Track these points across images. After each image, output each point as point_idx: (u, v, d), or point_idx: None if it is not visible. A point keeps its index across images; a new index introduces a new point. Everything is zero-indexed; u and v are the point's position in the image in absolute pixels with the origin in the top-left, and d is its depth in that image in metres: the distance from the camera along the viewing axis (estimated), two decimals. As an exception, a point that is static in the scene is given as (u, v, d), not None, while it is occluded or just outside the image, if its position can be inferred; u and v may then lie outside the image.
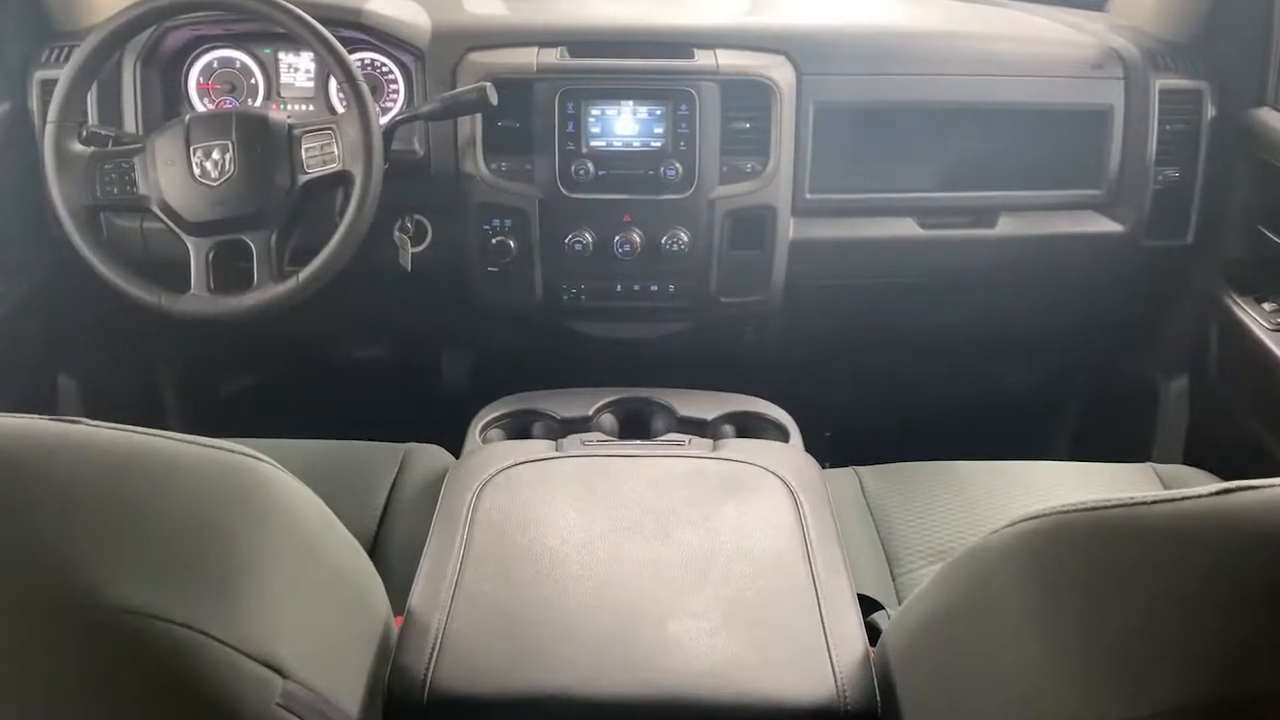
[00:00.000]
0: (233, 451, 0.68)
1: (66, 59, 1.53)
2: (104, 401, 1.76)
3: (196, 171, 1.33)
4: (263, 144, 1.34)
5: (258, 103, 1.62)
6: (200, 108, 1.61)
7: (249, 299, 1.34)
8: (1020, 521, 0.67)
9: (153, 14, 1.33)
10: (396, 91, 1.60)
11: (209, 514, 0.63)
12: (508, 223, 1.53)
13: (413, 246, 1.55)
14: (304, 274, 1.34)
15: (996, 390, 1.97)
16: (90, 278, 1.37)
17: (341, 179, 1.36)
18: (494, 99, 1.41)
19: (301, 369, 2.02)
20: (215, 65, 1.61)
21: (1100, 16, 1.75)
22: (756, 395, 1.41)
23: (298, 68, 1.62)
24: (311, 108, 1.62)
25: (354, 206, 1.33)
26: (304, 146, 1.35)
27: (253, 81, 1.61)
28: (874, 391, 1.93)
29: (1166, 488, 1.37)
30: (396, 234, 1.54)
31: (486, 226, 1.53)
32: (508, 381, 1.44)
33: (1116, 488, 1.36)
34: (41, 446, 0.59)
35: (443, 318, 1.76)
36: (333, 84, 1.61)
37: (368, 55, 1.59)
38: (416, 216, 1.56)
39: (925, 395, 1.92)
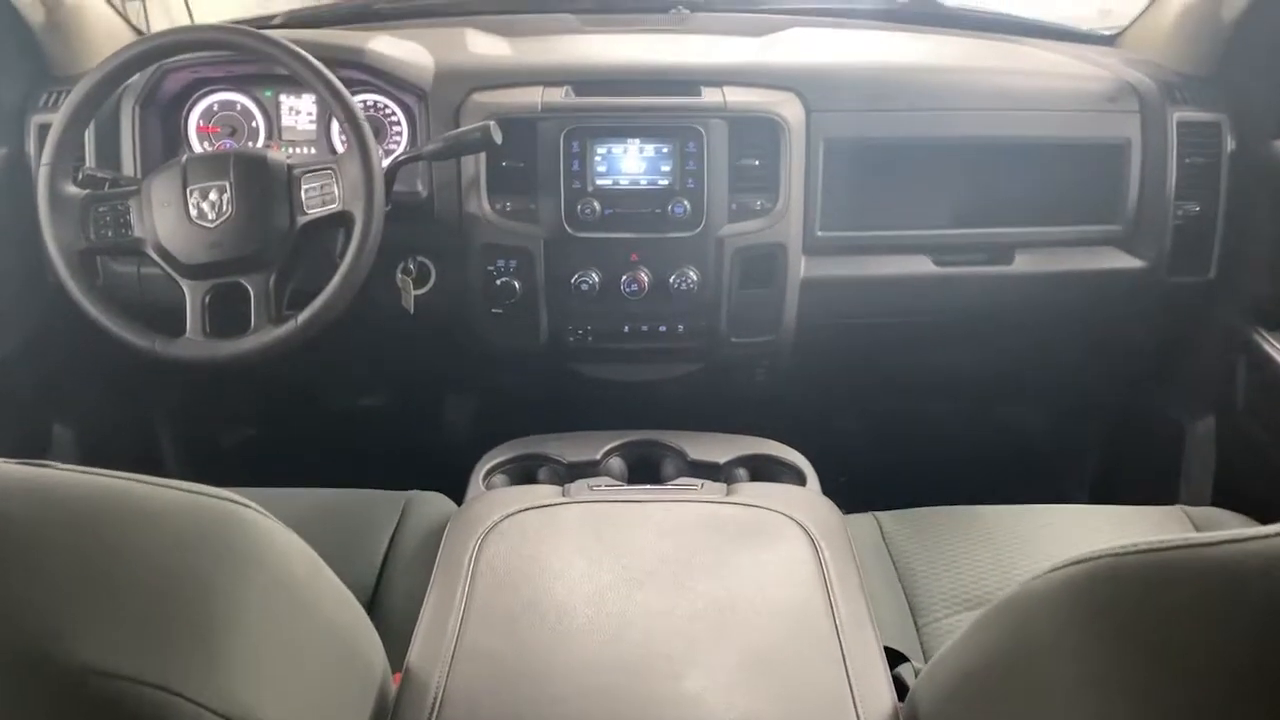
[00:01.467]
0: (214, 496, 0.63)
1: (61, 104, 1.51)
2: (100, 451, 1.71)
3: (193, 213, 1.29)
4: (261, 184, 1.31)
5: (257, 145, 1.60)
6: (200, 151, 1.59)
7: (246, 343, 1.30)
8: (1066, 566, 0.62)
9: (148, 55, 1.31)
10: (400, 133, 1.58)
11: (186, 564, 0.59)
12: (512, 263, 1.49)
13: (415, 289, 1.51)
14: (303, 316, 1.30)
15: (1015, 430, 1.92)
16: (86, 323, 1.34)
17: (342, 219, 1.33)
18: (498, 137, 1.38)
19: (303, 417, 1.98)
20: (215, 108, 1.59)
21: (1112, 51, 1.72)
22: (770, 438, 1.36)
23: (299, 110, 1.60)
24: (313, 150, 1.60)
25: (354, 247, 1.29)
26: (304, 187, 1.32)
27: (254, 124, 1.59)
28: (889, 432, 1.88)
29: (1201, 531, 1.32)
30: (399, 276, 1.51)
31: (491, 267, 1.50)
32: (513, 426, 1.40)
33: (1149, 532, 1.30)
34: (4, 491, 0.55)
35: (446, 361, 1.72)
36: (334, 126, 1.59)
37: (370, 97, 1.57)
38: (419, 258, 1.52)
39: (942, 436, 1.86)
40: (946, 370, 1.74)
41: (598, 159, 1.47)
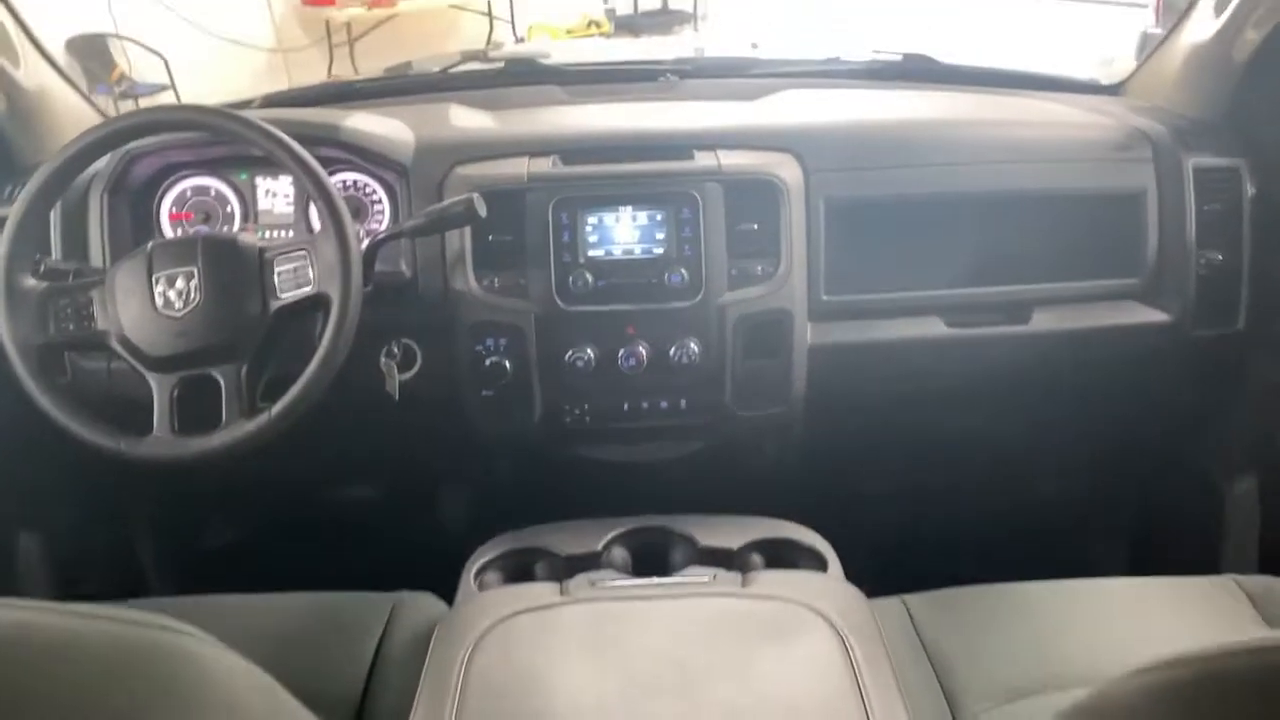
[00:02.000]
0: (144, 625, 0.53)
1: (22, 194, 1.45)
2: (72, 561, 1.61)
3: (159, 302, 1.21)
4: (231, 269, 1.23)
5: (233, 230, 1.53)
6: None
7: (216, 439, 1.21)
8: (1155, 669, 0.52)
9: (111, 139, 1.25)
10: (382, 211, 1.51)
11: (108, 709, 0.49)
12: (502, 342, 1.41)
13: (401, 373, 1.42)
14: (277, 408, 1.21)
15: (1042, 497, 1.81)
16: (50, 423, 1.24)
17: (318, 302, 1.25)
18: (482, 210, 1.31)
19: (289, 514, 1.87)
20: (189, 194, 1.52)
21: (1118, 100, 1.67)
22: (784, 518, 1.26)
23: (275, 192, 1.53)
24: (291, 233, 1.53)
25: (331, 331, 1.21)
26: (276, 270, 1.24)
27: (228, 209, 1.53)
28: (911, 505, 1.78)
29: (1257, 603, 1.21)
30: (383, 360, 1.42)
31: (479, 347, 1.41)
32: (509, 515, 1.31)
33: (1205, 609, 1.20)
34: None
35: (436, 449, 1.63)
36: (313, 208, 1.52)
37: (349, 175, 1.50)
38: (404, 341, 1.44)
39: (965, 506, 1.76)
40: (967, 436, 1.64)
41: (589, 229, 1.40)
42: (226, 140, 1.30)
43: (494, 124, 1.58)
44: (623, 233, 1.40)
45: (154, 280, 1.22)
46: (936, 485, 1.73)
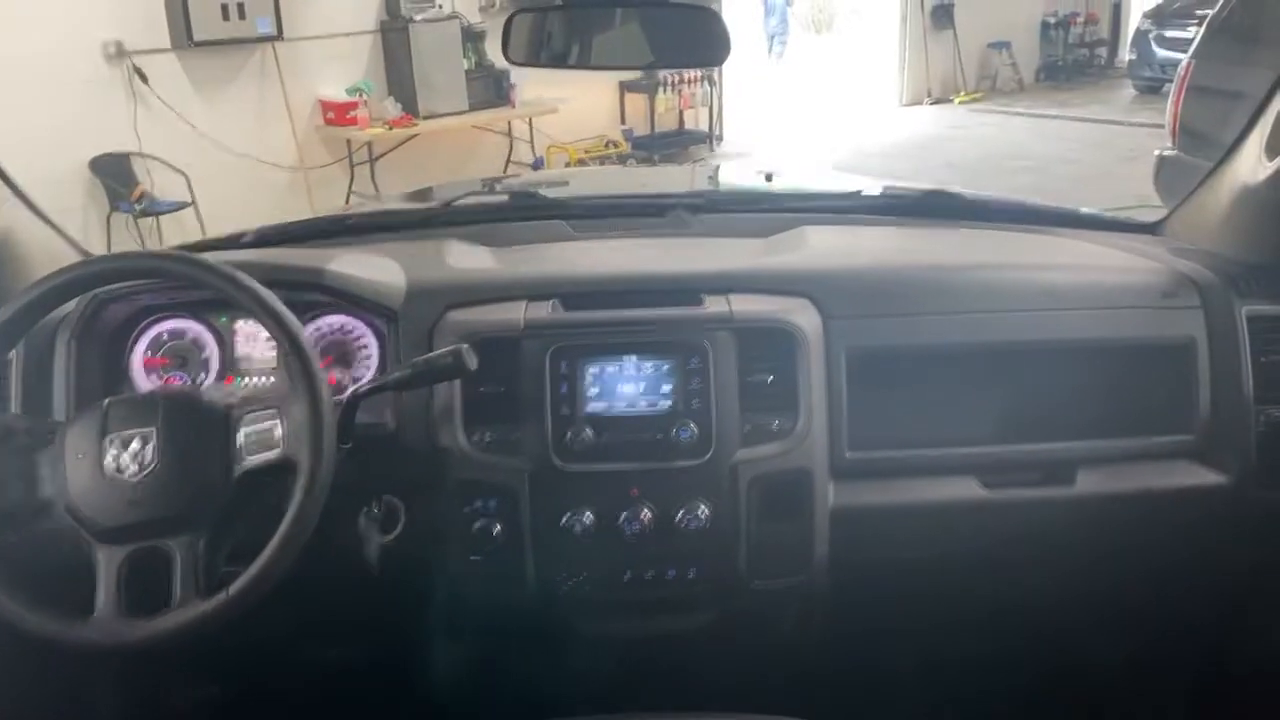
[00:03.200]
0: None
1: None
2: None
3: (109, 465, 1.10)
4: (192, 429, 1.12)
5: (211, 378, 1.43)
6: (144, 387, 1.41)
7: (166, 621, 1.07)
8: None
9: (68, 287, 1.15)
10: (369, 357, 1.41)
11: None
12: (492, 503, 1.29)
13: (383, 534, 1.30)
14: (235, 587, 1.08)
15: (1086, 677, 1.63)
16: None
17: (285, 468, 1.13)
18: (472, 364, 1.20)
19: (258, 675, 1.72)
20: (165, 337, 1.43)
21: (1158, 240, 1.56)
22: (801, 700, 1.11)
23: (256, 337, 1.43)
24: (273, 380, 1.42)
25: (297, 503, 1.09)
26: (242, 430, 1.13)
27: (205, 355, 1.43)
28: (940, 684, 1.60)
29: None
30: (362, 522, 1.30)
31: (468, 508, 1.29)
32: (496, 691, 1.16)
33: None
34: None
35: (419, 614, 1.49)
36: None
37: (336, 318, 1.41)
38: (387, 498, 1.32)
39: (1002, 686, 1.58)
40: (1003, 606, 1.48)
41: (589, 380, 1.29)
42: (193, 287, 1.21)
43: (492, 263, 1.48)
44: (626, 384, 1.29)
45: (107, 442, 1.11)
46: (970, 660, 1.56)
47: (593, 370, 1.29)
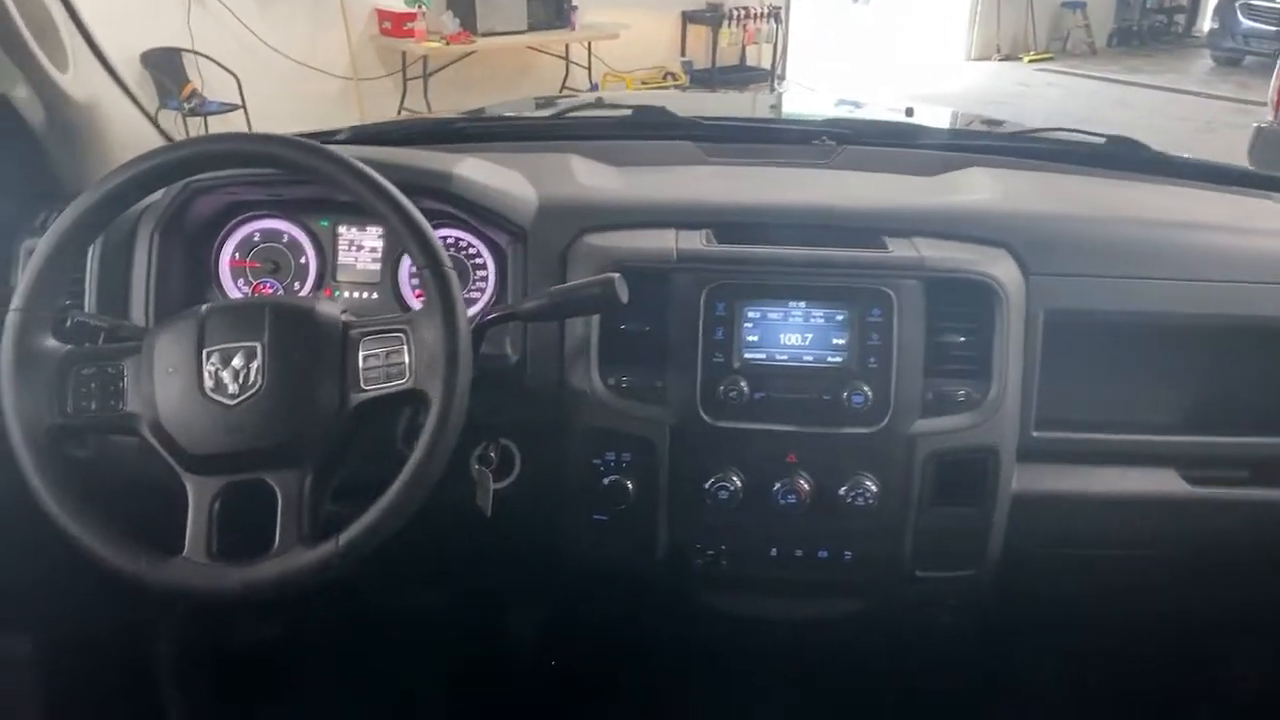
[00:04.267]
0: None
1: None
2: (69, 665, 1.32)
3: (208, 384, 0.94)
4: (305, 348, 0.95)
5: (306, 288, 1.26)
6: (233, 293, 1.25)
7: (266, 569, 0.92)
8: None
9: (167, 170, 0.98)
10: (485, 280, 1.24)
11: None
12: (626, 457, 1.12)
13: (495, 482, 1.14)
14: (346, 537, 0.92)
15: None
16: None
17: (411, 400, 0.97)
18: (624, 295, 1.03)
19: (327, 615, 1.58)
20: (256, 239, 1.26)
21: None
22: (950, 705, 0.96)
23: (361, 245, 1.26)
24: (375, 297, 1.26)
25: (426, 443, 0.93)
26: (362, 353, 0.96)
27: (302, 261, 1.26)
28: (1111, 710, 1.42)
29: None
30: (474, 465, 1.14)
31: (597, 460, 1.13)
32: (596, 658, 1.00)
33: None
34: None
35: (523, 571, 1.34)
36: (404, 269, 1.25)
37: (451, 233, 1.24)
38: (503, 441, 1.16)
39: (1183, 713, 1.41)
40: (1201, 621, 1.31)
41: (748, 326, 1.11)
42: (314, 181, 1.03)
43: (626, 184, 1.30)
44: (791, 334, 1.11)
45: (205, 356, 0.94)
46: (1150, 678, 1.39)
47: (753, 314, 1.11)
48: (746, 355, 1.11)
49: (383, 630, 1.51)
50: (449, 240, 1.24)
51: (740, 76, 8.21)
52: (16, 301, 0.94)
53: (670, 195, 1.25)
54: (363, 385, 0.96)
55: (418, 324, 0.96)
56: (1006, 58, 10.42)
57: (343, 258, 1.27)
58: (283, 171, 1.03)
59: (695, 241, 1.14)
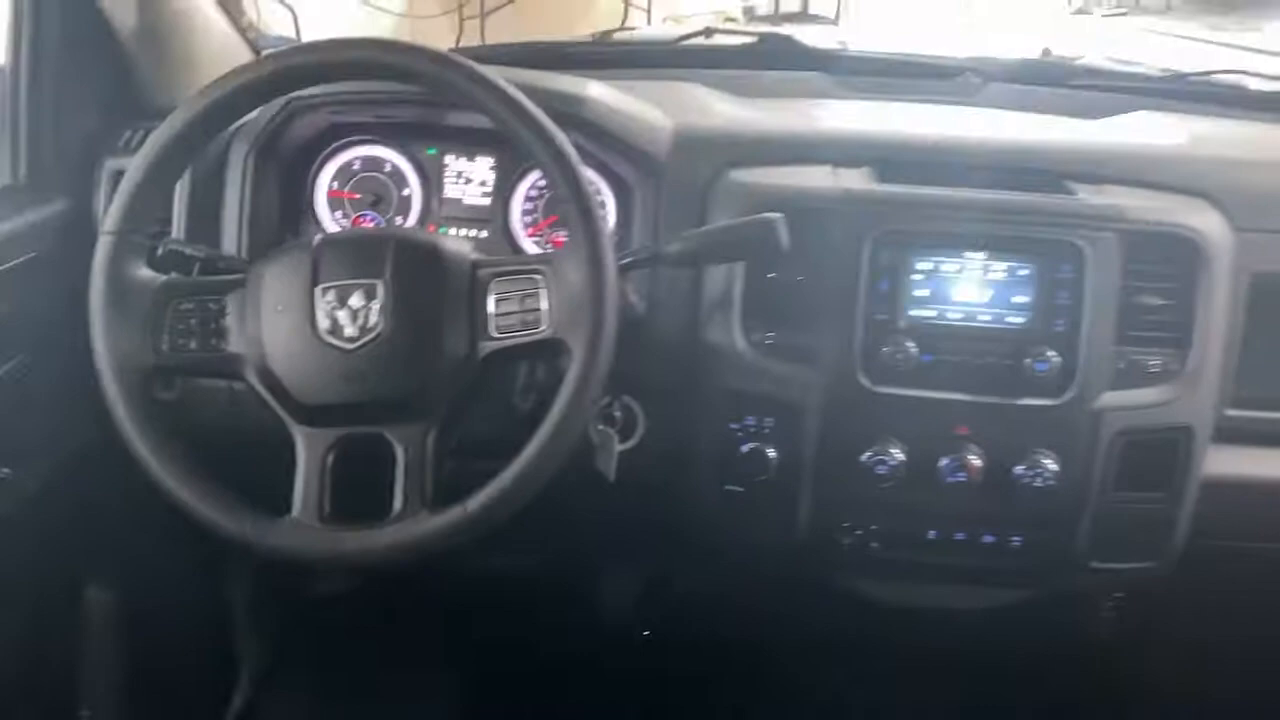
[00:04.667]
0: None
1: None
2: (145, 618, 1.24)
3: (322, 325, 0.82)
4: (432, 288, 0.84)
5: (409, 223, 1.14)
6: (330, 226, 1.14)
7: (385, 536, 0.81)
8: None
9: (284, 78, 0.86)
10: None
11: None
12: (769, 423, 1.00)
13: (618, 443, 1.02)
14: (477, 502, 0.81)
15: None
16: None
17: (547, 351, 0.85)
18: (785, 239, 0.90)
19: (419, 570, 1.49)
20: (356, 167, 1.14)
21: None
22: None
23: (470, 177, 1.14)
24: (484, 235, 1.14)
25: (568, 399, 0.81)
26: (493, 297, 0.84)
27: (405, 193, 1.14)
28: None
29: None
30: (597, 425, 1.02)
31: (735, 425, 1.01)
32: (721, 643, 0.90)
33: None
34: None
35: (633, 538, 1.23)
36: (517, 205, 1.13)
37: None
38: (625, 399, 1.04)
39: None
40: None
41: (917, 279, 0.98)
42: (447, 100, 0.91)
43: (768, 116, 1.17)
44: (967, 290, 0.98)
45: (319, 293, 0.83)
46: None
47: (924, 266, 0.98)
48: (914, 312, 0.98)
49: (475, 591, 1.41)
50: None
51: (803, 20, 7.94)
52: (109, 224, 0.83)
53: (823, 128, 1.11)
54: (493, 332, 0.84)
55: (559, 265, 0.84)
56: (1079, 11, 10.04)
57: (449, 190, 1.15)
58: (411, 87, 0.90)
59: (857, 180, 1.01)
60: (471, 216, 1.14)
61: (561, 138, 0.84)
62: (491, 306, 0.84)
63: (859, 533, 1.02)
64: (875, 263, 0.97)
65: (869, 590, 1.08)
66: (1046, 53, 1.69)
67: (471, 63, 0.84)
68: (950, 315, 0.98)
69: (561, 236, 1.13)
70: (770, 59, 1.42)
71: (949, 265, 0.98)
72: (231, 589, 1.41)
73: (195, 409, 1.03)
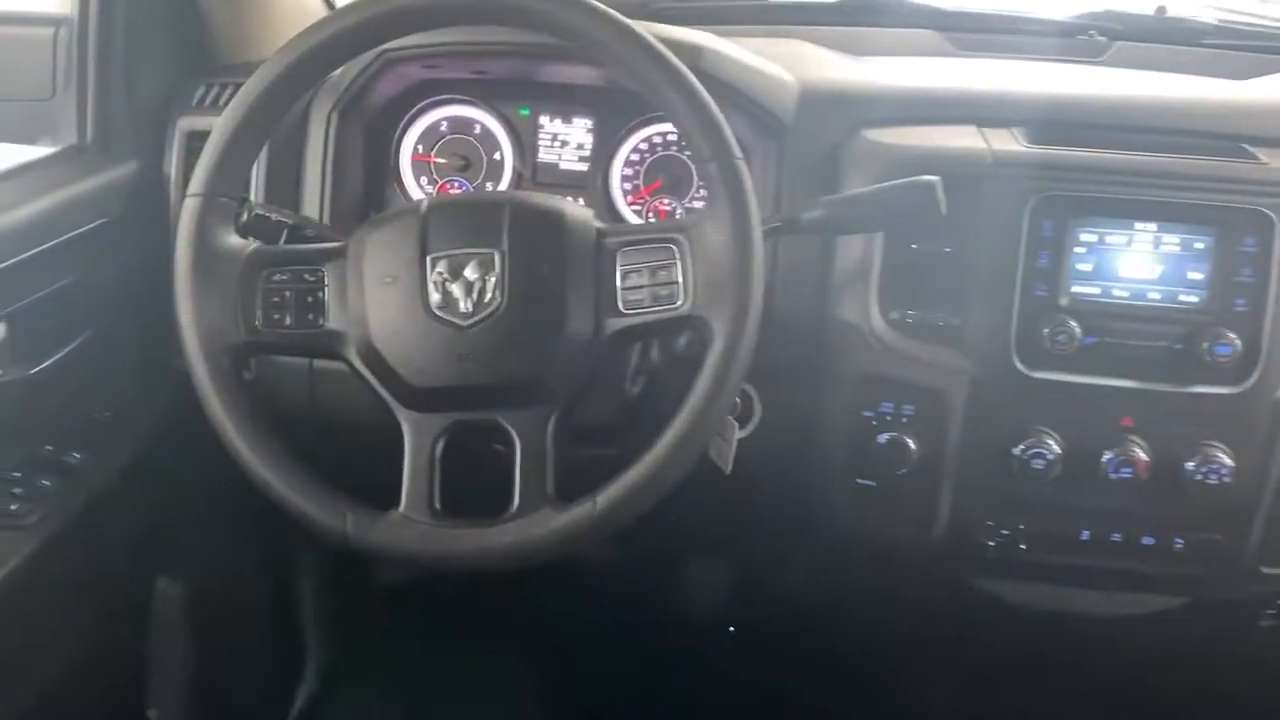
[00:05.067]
0: None
1: (227, 101, 0.99)
2: (214, 606, 1.17)
3: (434, 299, 0.73)
4: (554, 260, 0.74)
5: (500, 188, 1.05)
6: (416, 193, 1.05)
7: (506, 535, 0.72)
8: None
9: (391, 21, 0.76)
10: (714, 184, 1.02)
11: None
12: (908, 410, 0.91)
13: (736, 430, 0.93)
14: (606, 499, 0.72)
15: None
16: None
17: (683, 329, 0.76)
18: (944, 206, 0.80)
19: None
20: (444, 128, 1.05)
21: None
22: None
23: (566, 139, 1.05)
24: (580, 203, 1.04)
25: (709, 385, 0.72)
26: (621, 268, 0.75)
27: (496, 157, 1.05)
28: None
29: None
30: None
31: (870, 413, 0.91)
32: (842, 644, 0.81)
33: None
34: None
35: (734, 532, 1.14)
36: (617, 170, 1.04)
37: (670, 127, 1.02)
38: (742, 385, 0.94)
39: None
40: None
41: (1079, 252, 0.88)
42: (551, 54, 0.82)
43: (893, 73, 1.06)
44: (1135, 264, 0.88)
45: (429, 263, 0.74)
46: None
47: (1087, 237, 0.88)
48: (1076, 289, 0.88)
49: (549, 578, 1.33)
50: (671, 138, 1.02)
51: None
52: (195, 185, 0.74)
53: (962, 86, 1.01)
54: (622, 308, 0.75)
55: (697, 234, 0.74)
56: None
57: (543, 154, 1.06)
58: (521, 35, 0.80)
59: (1009, 142, 0.91)
60: (567, 183, 1.05)
61: (699, 86, 0.74)
62: (619, 280, 0.75)
63: (1005, 532, 0.92)
64: (1035, 233, 0.87)
65: (1013, 594, 0.98)
66: (1161, 10, 1.57)
67: (604, 7, 0.74)
68: (1116, 292, 0.88)
69: (665, 205, 1.04)
70: (875, 14, 1.32)
71: (1115, 237, 0.88)
72: (300, 580, 1.34)
73: (271, 389, 0.95)
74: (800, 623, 1.18)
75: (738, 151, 0.73)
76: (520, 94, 1.04)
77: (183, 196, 0.76)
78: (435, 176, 1.05)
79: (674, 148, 1.03)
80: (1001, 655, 0.99)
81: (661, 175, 1.04)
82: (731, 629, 1.37)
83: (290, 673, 1.35)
